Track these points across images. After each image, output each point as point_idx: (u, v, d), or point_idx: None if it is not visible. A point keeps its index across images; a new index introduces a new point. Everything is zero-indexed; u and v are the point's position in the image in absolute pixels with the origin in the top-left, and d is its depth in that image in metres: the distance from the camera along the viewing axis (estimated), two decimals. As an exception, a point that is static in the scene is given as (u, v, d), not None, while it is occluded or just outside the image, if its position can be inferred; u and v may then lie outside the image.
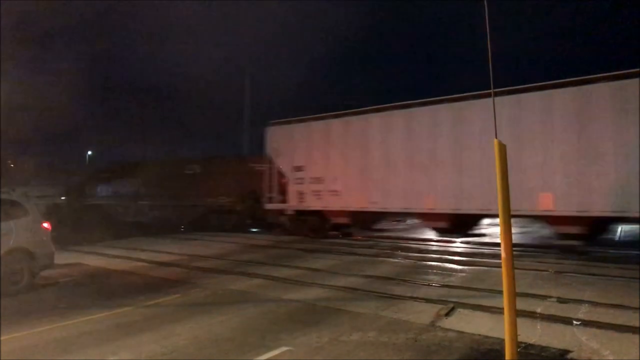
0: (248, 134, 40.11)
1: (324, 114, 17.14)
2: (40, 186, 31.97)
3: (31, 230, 9.14)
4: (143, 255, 13.26)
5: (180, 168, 23.29)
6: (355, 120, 16.20)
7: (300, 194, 17.11)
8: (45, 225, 9.46)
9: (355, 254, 12.86)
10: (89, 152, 50.61)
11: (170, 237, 18.67)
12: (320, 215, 16.82)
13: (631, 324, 5.90)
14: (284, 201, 17.77)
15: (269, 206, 18.18)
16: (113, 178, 27.49)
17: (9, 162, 44.83)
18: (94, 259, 12.92)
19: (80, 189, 29.58)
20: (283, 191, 17.96)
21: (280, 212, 18.00)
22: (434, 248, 14.10)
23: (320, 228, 16.95)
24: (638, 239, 15.39)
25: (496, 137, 3.93)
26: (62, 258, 12.31)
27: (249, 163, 20.72)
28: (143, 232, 19.89)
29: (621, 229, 19.00)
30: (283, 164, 17.76)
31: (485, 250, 13.19)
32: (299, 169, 17.33)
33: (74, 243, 16.29)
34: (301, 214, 17.32)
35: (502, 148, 3.93)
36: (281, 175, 17.91)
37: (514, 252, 3.97)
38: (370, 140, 15.75)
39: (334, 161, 16.54)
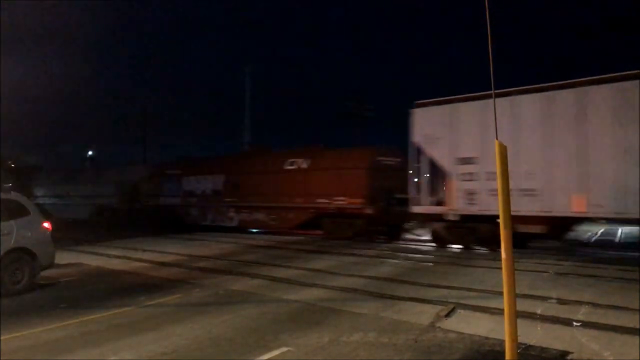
0: (249, 134, 40.19)
1: (507, 90, 12.95)
2: (86, 185, 28.94)
3: (32, 230, 9.15)
4: (144, 256, 13.27)
5: (278, 162, 19.37)
6: (564, 95, 12.14)
7: (469, 194, 13.26)
8: (46, 225, 9.47)
9: (356, 254, 12.86)
10: (90, 152, 50.69)
11: (171, 237, 18.68)
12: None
13: (631, 325, 5.91)
14: (440, 203, 14.29)
15: (417, 209, 14.53)
16: (185, 175, 23.13)
17: (10, 162, 44.74)
18: (94, 259, 12.93)
19: (138, 188, 25.54)
20: (439, 190, 14.60)
21: (434, 217, 14.27)
22: (434, 249, 14.10)
23: (495, 238, 14.14)
24: (637, 241, 15.40)
25: (497, 138, 3.95)
26: (63, 258, 12.33)
27: (376, 155, 17.24)
28: (143, 232, 19.89)
29: (621, 231, 19.01)
30: (439, 155, 14.00)
31: (486, 251, 13.19)
32: (466, 161, 13.43)
33: (75, 243, 16.31)
34: (468, 219, 13.52)
35: (503, 149, 3.94)
36: (435, 169, 14.38)
37: (514, 254, 3.98)
38: (593, 121, 11.61)
39: (527, 150, 12.45)
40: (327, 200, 17.24)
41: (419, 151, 14.56)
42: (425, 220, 14.92)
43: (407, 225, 16.82)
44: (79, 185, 29.63)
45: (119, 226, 22.99)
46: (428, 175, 14.65)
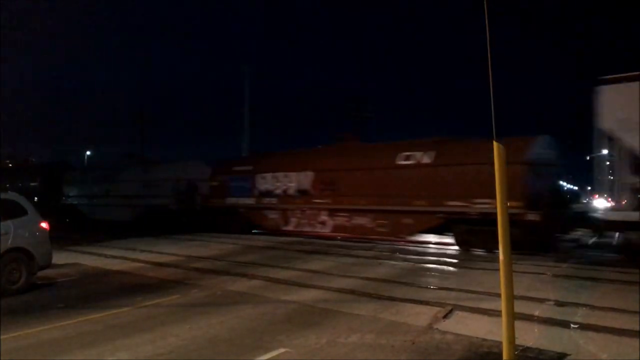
0: (248, 134, 40.19)
1: None
2: (130, 184, 25.70)
3: (29, 230, 9.13)
4: (141, 256, 13.25)
5: (388, 156, 15.98)
6: None
7: None
8: (43, 224, 9.45)
9: (354, 255, 12.86)
10: (88, 152, 50.69)
11: (169, 237, 18.64)
12: None
13: (629, 327, 5.91)
14: None
15: (614, 216, 11.71)
16: (259, 172, 19.89)
17: (7, 161, 44.58)
18: (92, 259, 12.91)
19: (195, 187, 22.97)
20: None
21: (634, 226, 11.19)
22: (432, 250, 14.10)
23: None
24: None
25: (495, 140, 3.97)
26: (61, 258, 12.31)
27: (536, 147, 13.68)
28: (140, 233, 19.84)
29: (619, 233, 18.97)
30: None
31: (484, 252, 13.19)
32: None
33: (72, 243, 16.29)
34: None
35: (501, 150, 3.97)
36: (638, 163, 11.32)
37: (512, 255, 3.99)
38: None
39: None
40: (463, 203, 13.74)
41: (616, 140, 11.56)
42: (615, 229, 11.96)
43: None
44: (120, 184, 26.47)
45: (173, 229, 20.66)
46: (633, 170, 11.45)
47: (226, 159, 23.27)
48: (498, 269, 3.99)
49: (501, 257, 3.91)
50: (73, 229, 22.09)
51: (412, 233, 15.44)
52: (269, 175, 19.47)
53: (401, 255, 12.83)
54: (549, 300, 7.40)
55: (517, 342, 4.58)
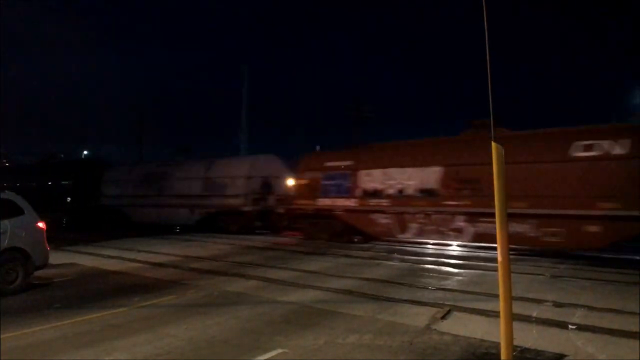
0: (246, 134, 40.15)
1: None
2: (187, 182, 22.60)
3: (26, 229, 9.09)
4: (139, 256, 13.21)
5: (555, 146, 12.72)
6: None
7: None
8: (40, 224, 9.41)
9: (352, 256, 12.85)
10: (85, 152, 50.63)
11: (167, 238, 18.62)
12: None
13: (627, 328, 5.91)
14: None
15: None
16: (362, 167, 16.54)
17: (4, 160, 44.52)
18: (89, 260, 12.86)
19: (271, 185, 20.81)
20: None
21: None
22: (430, 251, 14.09)
23: None
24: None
25: (493, 140, 3.97)
26: (58, 258, 12.28)
27: None
28: (138, 233, 19.80)
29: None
30: None
31: (482, 253, 13.19)
32: None
33: (71, 243, 16.25)
34: None
35: (499, 150, 3.97)
36: None
37: (510, 256, 3.98)
38: None
39: None
40: None
41: None
42: None
43: None
44: (176, 182, 23.21)
45: (246, 232, 19.39)
46: None
47: (317, 152, 19.67)
48: (496, 270, 3.98)
49: (499, 257, 3.90)
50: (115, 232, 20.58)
51: (601, 244, 12.13)
52: (377, 172, 16.20)
53: (399, 256, 12.83)
54: (547, 301, 7.40)
55: (515, 342, 4.58)
